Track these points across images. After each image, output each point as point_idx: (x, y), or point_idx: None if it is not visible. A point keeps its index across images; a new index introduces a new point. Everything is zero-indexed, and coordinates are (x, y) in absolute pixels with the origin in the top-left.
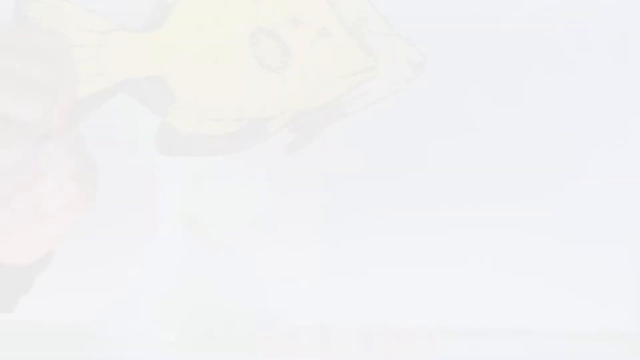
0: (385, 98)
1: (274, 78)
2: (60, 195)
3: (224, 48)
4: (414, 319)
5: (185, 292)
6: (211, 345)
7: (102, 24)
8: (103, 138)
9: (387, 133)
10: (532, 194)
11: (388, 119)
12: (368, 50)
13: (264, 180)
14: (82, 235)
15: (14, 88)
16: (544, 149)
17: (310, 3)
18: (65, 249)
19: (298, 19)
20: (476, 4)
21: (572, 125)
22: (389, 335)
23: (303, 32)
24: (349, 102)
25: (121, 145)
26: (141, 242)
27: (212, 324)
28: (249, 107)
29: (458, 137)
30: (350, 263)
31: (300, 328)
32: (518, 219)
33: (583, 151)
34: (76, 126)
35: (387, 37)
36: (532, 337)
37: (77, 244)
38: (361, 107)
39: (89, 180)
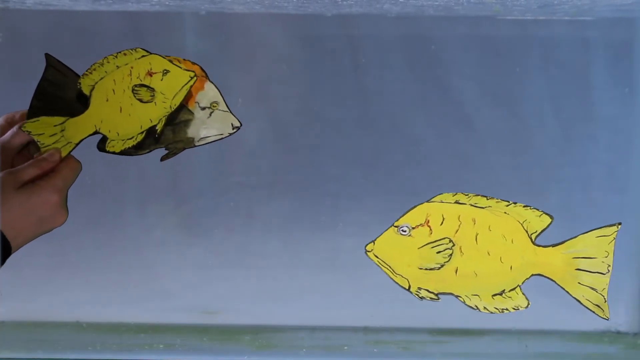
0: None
1: (150, 105)
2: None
3: (122, 103)
4: (413, 318)
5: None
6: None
7: (60, 119)
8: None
9: (386, 133)
10: (531, 192)
11: (388, 118)
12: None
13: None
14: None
15: None
16: (541, 146)
17: (154, 60)
18: (66, 249)
19: (150, 71)
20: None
21: (571, 124)
22: (387, 335)
23: (155, 76)
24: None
25: None
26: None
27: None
28: (144, 123)
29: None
30: (349, 263)
31: (301, 328)
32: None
33: (582, 150)
34: None
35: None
36: (532, 337)
37: (78, 245)
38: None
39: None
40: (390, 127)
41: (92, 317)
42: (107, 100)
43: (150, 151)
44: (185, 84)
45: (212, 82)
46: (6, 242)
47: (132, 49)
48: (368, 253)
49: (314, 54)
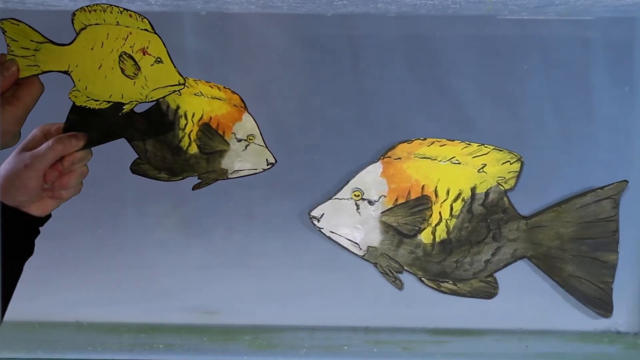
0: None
1: (129, 82)
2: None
3: (104, 61)
4: (413, 318)
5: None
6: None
7: (40, 37)
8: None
9: (387, 132)
10: (531, 192)
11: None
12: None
13: None
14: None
15: None
16: (541, 146)
17: (154, 41)
18: (67, 250)
19: (145, 50)
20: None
21: (571, 124)
22: (387, 335)
23: (147, 58)
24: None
25: None
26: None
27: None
28: (114, 95)
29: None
30: (349, 263)
31: (301, 328)
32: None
33: (582, 150)
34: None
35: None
36: (532, 337)
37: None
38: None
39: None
40: (390, 127)
41: (92, 317)
42: (92, 49)
43: (183, 178)
44: (171, 87)
45: (250, 114)
46: None
47: (140, 16)
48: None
49: (314, 54)
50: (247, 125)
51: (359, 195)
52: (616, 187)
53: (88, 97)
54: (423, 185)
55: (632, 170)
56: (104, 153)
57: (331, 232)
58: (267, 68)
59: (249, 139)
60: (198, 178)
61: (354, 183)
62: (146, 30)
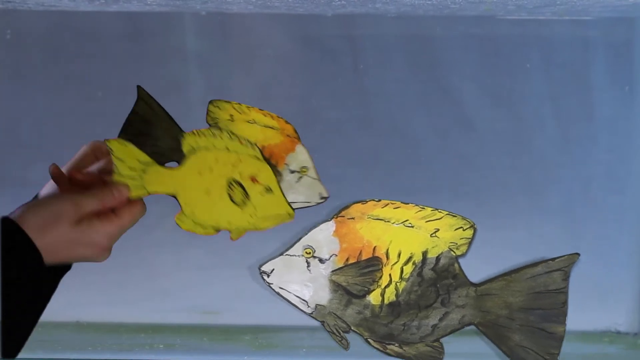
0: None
1: (237, 209)
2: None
3: (212, 186)
4: None
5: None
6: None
7: (147, 159)
8: None
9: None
10: (531, 192)
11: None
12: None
13: None
14: None
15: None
16: (541, 146)
17: (263, 169)
18: None
19: (255, 178)
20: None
21: (571, 124)
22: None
23: (257, 186)
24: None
25: None
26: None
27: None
28: (221, 222)
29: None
30: None
31: (301, 328)
32: (518, 217)
33: (582, 150)
34: None
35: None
36: None
37: None
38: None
39: None
40: (390, 127)
41: (92, 317)
42: (200, 174)
43: None
44: (280, 218)
45: (303, 146)
46: (39, 259)
47: (250, 143)
48: None
49: (314, 54)
50: (300, 156)
51: (310, 253)
52: (567, 259)
53: (194, 222)
54: (375, 247)
55: (632, 170)
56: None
57: (280, 288)
58: (267, 68)
59: (302, 171)
60: None
61: (305, 240)
62: (256, 157)
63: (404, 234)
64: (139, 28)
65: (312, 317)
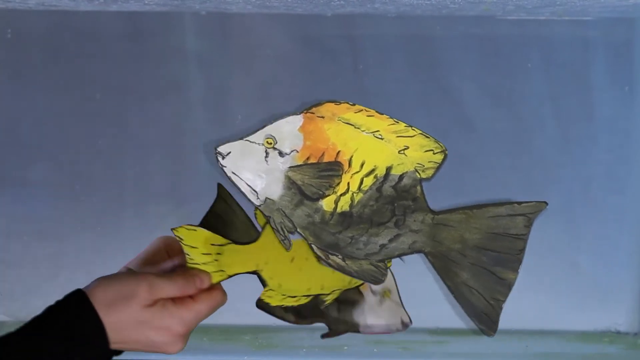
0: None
1: (327, 270)
2: None
3: (296, 252)
4: (413, 319)
5: None
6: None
7: (222, 240)
8: None
9: None
10: (531, 192)
11: None
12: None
13: None
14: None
15: None
16: (541, 146)
17: None
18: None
19: None
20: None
21: (571, 124)
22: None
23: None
24: None
25: None
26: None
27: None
28: (313, 287)
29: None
30: None
31: (301, 328)
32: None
33: (582, 150)
34: None
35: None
36: (532, 337)
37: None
38: None
39: None
40: None
41: None
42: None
43: (311, 323)
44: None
45: (390, 270)
46: (105, 344)
47: None
48: None
49: (313, 54)
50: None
51: (271, 143)
52: (534, 206)
53: (283, 294)
54: (339, 151)
55: (632, 170)
56: (104, 153)
57: (233, 173)
58: (267, 68)
59: (385, 295)
60: (327, 326)
61: (269, 129)
62: None
63: (372, 145)
64: (139, 28)
65: (259, 208)
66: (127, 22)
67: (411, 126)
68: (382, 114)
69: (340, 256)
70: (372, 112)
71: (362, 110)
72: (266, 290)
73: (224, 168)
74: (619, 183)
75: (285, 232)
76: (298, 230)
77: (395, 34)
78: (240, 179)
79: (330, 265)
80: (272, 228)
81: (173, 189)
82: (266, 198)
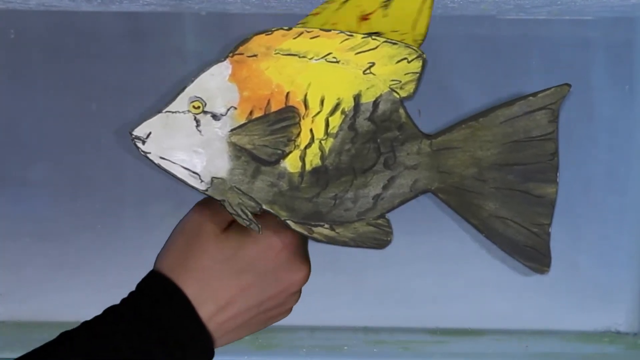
0: None
1: None
2: None
3: None
4: (413, 318)
5: None
6: None
7: None
8: None
9: None
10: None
11: None
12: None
13: None
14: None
15: None
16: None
17: None
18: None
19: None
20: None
21: (571, 124)
22: (387, 334)
23: None
24: None
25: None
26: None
27: None
28: None
29: None
30: (350, 263)
31: (301, 328)
32: None
33: (582, 150)
34: None
35: None
36: (532, 337)
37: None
38: None
39: None
40: None
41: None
42: None
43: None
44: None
45: None
46: (204, 330)
47: None
48: None
49: None
50: None
51: (199, 108)
52: (555, 93)
53: None
54: (288, 93)
55: (631, 170)
56: (104, 153)
57: (161, 158)
58: None
59: None
60: None
61: (192, 90)
62: None
63: (327, 73)
64: (139, 28)
65: (206, 194)
66: (127, 22)
67: (370, 35)
68: (329, 30)
69: (326, 225)
70: (316, 31)
71: (302, 32)
72: None
73: (148, 155)
74: (619, 183)
75: (248, 214)
76: (264, 206)
77: None
78: (173, 162)
79: (316, 239)
80: (231, 213)
81: (173, 189)
82: (212, 178)
